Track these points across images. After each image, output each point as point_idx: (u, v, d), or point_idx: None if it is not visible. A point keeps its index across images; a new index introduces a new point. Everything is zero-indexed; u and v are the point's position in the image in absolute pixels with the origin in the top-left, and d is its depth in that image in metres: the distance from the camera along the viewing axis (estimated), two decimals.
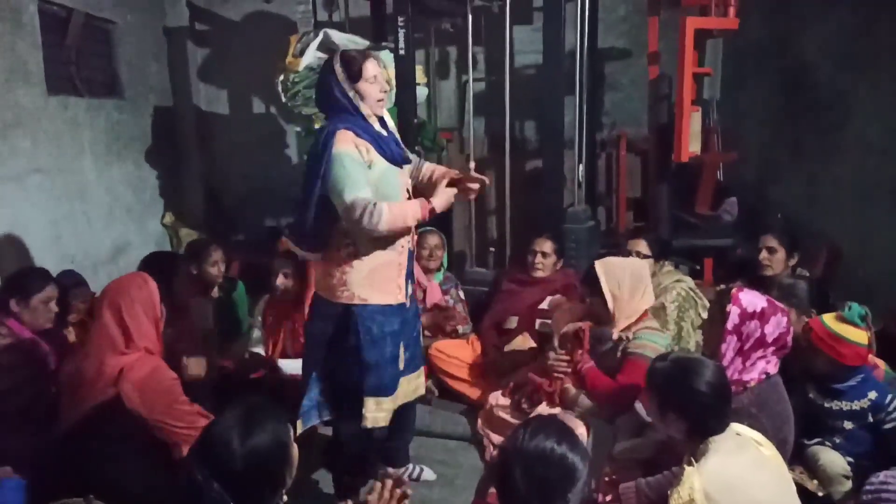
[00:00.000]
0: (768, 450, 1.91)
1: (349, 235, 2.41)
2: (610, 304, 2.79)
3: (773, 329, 2.22)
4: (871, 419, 2.47)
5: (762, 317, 2.23)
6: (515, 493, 1.59)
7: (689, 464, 1.82)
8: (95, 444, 2.23)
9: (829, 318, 2.52)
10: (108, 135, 4.85)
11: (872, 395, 2.47)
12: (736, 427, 1.94)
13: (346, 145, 2.30)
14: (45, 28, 4.24)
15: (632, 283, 2.80)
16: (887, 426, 2.46)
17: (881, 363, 2.76)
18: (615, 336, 2.82)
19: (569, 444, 1.61)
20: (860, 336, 2.46)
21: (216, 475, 1.48)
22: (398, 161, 2.48)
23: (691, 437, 1.93)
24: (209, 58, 5.87)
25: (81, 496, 1.95)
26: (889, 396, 2.47)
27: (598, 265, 2.86)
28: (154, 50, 5.51)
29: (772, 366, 2.26)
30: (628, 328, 2.80)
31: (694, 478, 1.75)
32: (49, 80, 4.28)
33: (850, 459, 2.43)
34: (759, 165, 5.03)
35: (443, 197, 2.46)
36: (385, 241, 2.44)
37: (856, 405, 2.48)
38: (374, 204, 2.25)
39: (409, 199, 2.50)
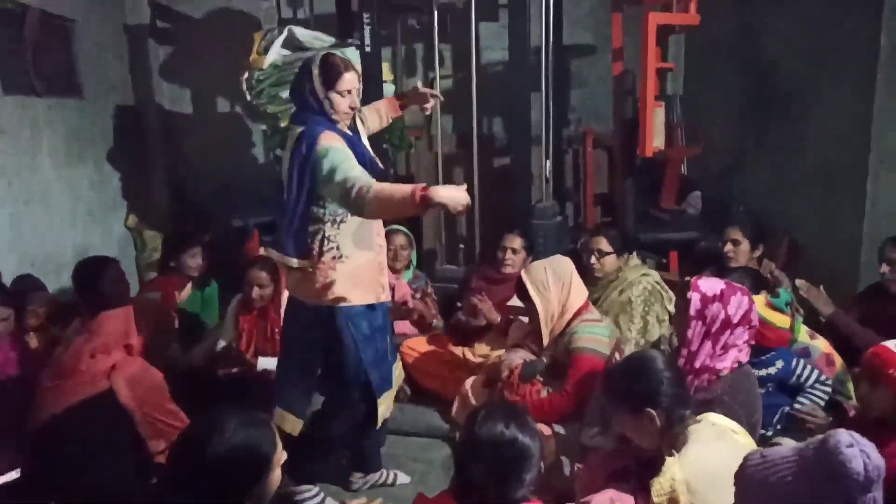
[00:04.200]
0: (744, 438, 1.95)
1: (332, 239, 2.47)
2: (539, 307, 2.82)
3: (735, 309, 2.29)
4: (770, 388, 2.61)
5: (722, 298, 2.30)
6: (472, 480, 1.60)
7: (670, 454, 1.84)
8: (77, 436, 2.31)
9: (758, 303, 2.61)
10: (68, 134, 4.74)
11: (780, 363, 2.63)
12: (712, 417, 1.97)
13: (331, 140, 2.36)
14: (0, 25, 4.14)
15: (554, 279, 2.84)
16: (816, 393, 2.62)
17: (838, 360, 2.83)
18: (546, 342, 2.86)
19: (518, 426, 1.62)
20: (784, 321, 2.67)
21: (192, 481, 1.45)
22: (368, 168, 2.48)
23: (666, 432, 1.94)
24: (171, 55, 5.77)
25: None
26: (795, 362, 2.64)
27: (523, 272, 2.94)
28: (114, 48, 5.38)
29: (743, 354, 2.31)
30: (568, 325, 2.82)
31: (675, 468, 1.76)
32: (5, 78, 4.16)
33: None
34: (723, 159, 5.11)
35: (447, 189, 2.13)
36: (364, 240, 2.51)
37: (763, 373, 2.61)
38: (366, 181, 2.22)
39: None
